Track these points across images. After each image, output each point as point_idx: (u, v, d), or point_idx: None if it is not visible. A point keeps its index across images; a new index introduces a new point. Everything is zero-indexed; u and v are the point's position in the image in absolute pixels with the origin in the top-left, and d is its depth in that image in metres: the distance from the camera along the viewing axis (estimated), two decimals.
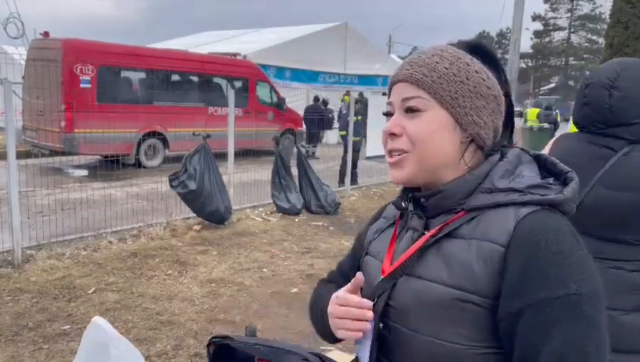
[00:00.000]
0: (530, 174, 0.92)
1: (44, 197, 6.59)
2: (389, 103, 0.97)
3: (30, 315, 3.90)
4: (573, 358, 0.76)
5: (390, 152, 0.95)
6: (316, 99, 15.20)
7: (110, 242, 5.68)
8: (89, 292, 4.38)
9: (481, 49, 0.98)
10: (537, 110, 15.44)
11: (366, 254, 1.09)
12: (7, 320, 3.80)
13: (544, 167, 0.96)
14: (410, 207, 0.99)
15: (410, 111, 0.92)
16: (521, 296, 0.80)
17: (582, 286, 0.79)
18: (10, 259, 4.91)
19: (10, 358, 3.32)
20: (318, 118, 13.48)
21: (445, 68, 0.92)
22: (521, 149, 0.98)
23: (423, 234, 0.95)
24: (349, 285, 0.96)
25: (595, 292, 0.81)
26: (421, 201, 0.96)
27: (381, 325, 0.94)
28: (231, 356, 1.70)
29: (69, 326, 3.75)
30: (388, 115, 0.98)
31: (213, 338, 1.81)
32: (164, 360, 3.39)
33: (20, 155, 6.02)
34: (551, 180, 0.92)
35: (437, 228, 0.92)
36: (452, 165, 0.93)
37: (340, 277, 1.19)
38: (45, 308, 4.04)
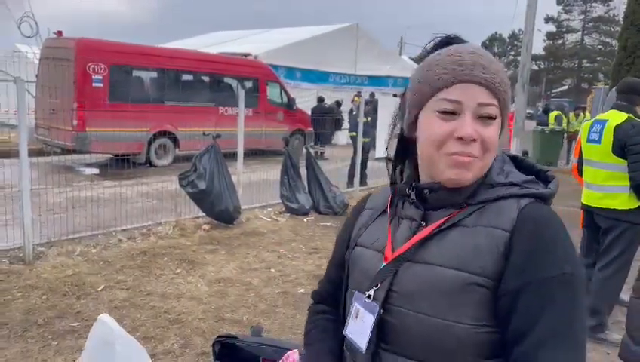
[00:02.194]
0: (516, 171, 1.02)
1: (55, 195, 6.65)
2: (456, 102, 0.93)
3: (40, 311, 3.94)
4: (564, 330, 0.86)
5: (458, 153, 0.94)
6: (320, 99, 15.22)
7: (120, 240, 5.73)
8: (98, 289, 4.42)
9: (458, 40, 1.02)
10: (556, 113, 15.42)
11: (356, 246, 1.10)
12: (18, 316, 3.84)
13: (520, 166, 1.04)
14: (413, 196, 1.02)
15: (487, 118, 0.94)
16: (523, 275, 0.88)
17: (574, 268, 0.90)
18: (21, 255, 4.97)
19: (20, 354, 3.35)
20: (324, 119, 13.52)
21: (504, 75, 0.96)
22: (502, 151, 1.06)
23: (420, 224, 1.00)
24: None
25: (581, 274, 0.92)
26: (424, 193, 1.00)
27: (382, 311, 0.97)
28: (236, 355, 1.71)
29: (77, 323, 3.79)
30: (451, 113, 0.94)
31: (218, 337, 1.83)
32: (170, 358, 3.41)
33: (32, 153, 6.08)
34: (533, 177, 1.01)
35: (443, 220, 0.97)
36: None
37: (330, 287, 1.22)
38: (55, 304, 4.08)
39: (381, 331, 0.97)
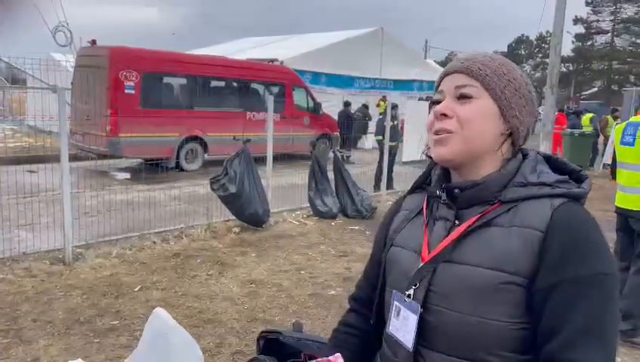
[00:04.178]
0: (549, 171, 1.04)
1: (90, 199, 6.86)
2: (440, 92, 1.06)
3: (81, 310, 4.10)
4: (595, 328, 0.88)
5: (437, 132, 1.03)
6: (346, 103, 15.31)
7: (154, 242, 5.88)
8: (135, 289, 4.56)
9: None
10: (591, 115, 15.16)
11: (392, 246, 1.15)
12: (60, 315, 4.00)
13: (555, 166, 1.07)
14: (444, 197, 1.06)
15: (463, 97, 1.02)
16: (557, 272, 0.91)
17: (607, 268, 0.92)
18: (61, 256, 5.15)
19: (64, 350, 3.49)
20: (350, 123, 13.64)
21: (496, 66, 1.04)
22: (536, 151, 1.09)
23: (454, 223, 1.04)
24: None
25: (615, 274, 0.94)
26: (454, 192, 1.05)
27: (422, 309, 1.01)
28: (279, 349, 1.77)
29: (117, 322, 3.92)
30: (436, 102, 1.06)
31: (263, 331, 1.90)
32: (207, 357, 3.50)
33: (69, 158, 6.27)
34: (566, 177, 1.03)
35: (475, 217, 1.01)
36: (490, 153, 1.04)
37: (367, 287, 1.26)
38: (95, 303, 4.23)
39: (420, 329, 1.01)
